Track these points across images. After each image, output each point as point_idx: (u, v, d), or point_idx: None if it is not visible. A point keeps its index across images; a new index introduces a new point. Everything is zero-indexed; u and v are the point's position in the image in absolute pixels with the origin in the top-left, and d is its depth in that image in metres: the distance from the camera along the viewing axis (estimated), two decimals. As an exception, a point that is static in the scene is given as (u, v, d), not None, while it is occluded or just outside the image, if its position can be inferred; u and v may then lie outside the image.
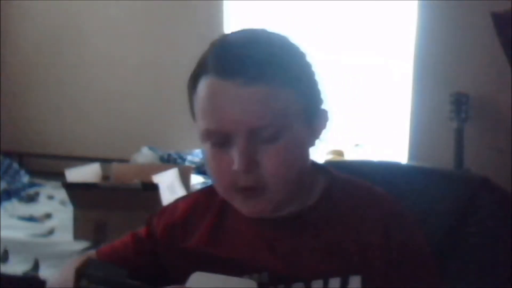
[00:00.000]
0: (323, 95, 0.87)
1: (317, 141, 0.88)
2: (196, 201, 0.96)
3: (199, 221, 0.93)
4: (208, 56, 0.82)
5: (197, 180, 2.68)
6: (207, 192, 0.97)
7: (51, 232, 2.43)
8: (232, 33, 0.86)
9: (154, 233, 0.95)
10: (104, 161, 2.81)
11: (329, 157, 2.77)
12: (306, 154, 0.86)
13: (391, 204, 0.89)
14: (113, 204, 2.21)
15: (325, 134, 0.88)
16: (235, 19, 3.06)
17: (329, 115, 0.88)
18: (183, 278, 0.88)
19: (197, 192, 1.01)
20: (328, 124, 0.88)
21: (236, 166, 0.79)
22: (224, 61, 0.79)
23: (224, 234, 0.90)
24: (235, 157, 0.79)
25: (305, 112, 0.83)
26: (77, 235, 2.27)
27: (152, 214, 0.98)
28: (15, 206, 2.84)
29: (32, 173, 3.29)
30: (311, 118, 0.84)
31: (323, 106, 0.87)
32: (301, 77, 0.82)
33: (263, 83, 0.78)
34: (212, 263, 0.88)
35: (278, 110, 0.79)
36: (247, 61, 0.78)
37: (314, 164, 0.93)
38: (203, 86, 0.81)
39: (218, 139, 0.81)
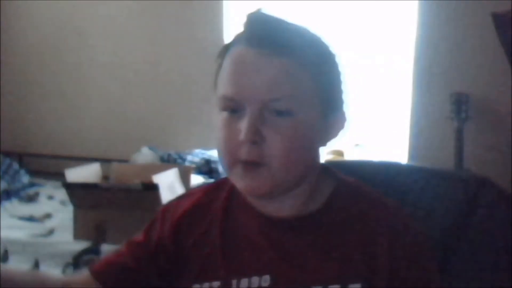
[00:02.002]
0: (344, 97, 0.88)
1: (330, 142, 0.88)
2: (199, 199, 0.95)
3: (203, 219, 0.92)
4: (243, 26, 0.84)
5: (197, 180, 2.68)
6: (210, 189, 0.96)
7: (51, 232, 2.43)
8: None
9: (156, 236, 0.94)
10: (104, 161, 2.81)
11: (329, 157, 2.77)
12: (315, 145, 0.86)
13: (397, 210, 0.89)
14: (113, 204, 2.21)
15: (340, 136, 0.88)
16: (235, 19, 3.06)
17: (346, 117, 0.88)
18: (186, 278, 0.88)
19: (200, 190, 0.99)
20: (346, 126, 0.88)
21: (242, 135, 0.79)
22: (255, 29, 0.81)
23: (228, 233, 0.90)
24: (243, 127, 0.79)
25: (322, 103, 0.83)
26: (77, 235, 2.27)
27: (154, 219, 0.97)
28: (15, 206, 2.84)
29: (32, 173, 3.29)
30: (327, 113, 0.85)
31: (341, 108, 0.88)
32: (325, 70, 0.84)
33: (286, 58, 0.79)
34: (215, 262, 0.87)
35: (295, 88, 0.80)
36: (277, 34, 0.80)
37: (323, 167, 0.92)
38: (231, 53, 0.83)
39: (232, 107, 0.81)
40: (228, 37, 3.21)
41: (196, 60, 2.93)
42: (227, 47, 0.84)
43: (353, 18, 2.94)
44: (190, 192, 1.02)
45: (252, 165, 0.81)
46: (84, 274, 0.95)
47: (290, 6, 2.97)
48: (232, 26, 3.06)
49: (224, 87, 0.82)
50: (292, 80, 0.80)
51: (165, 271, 0.92)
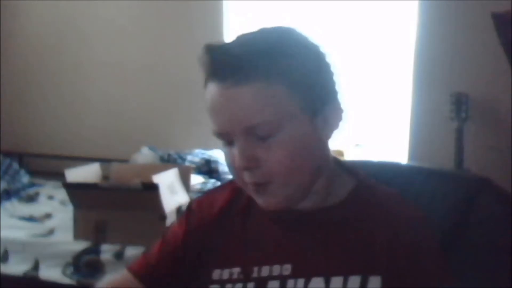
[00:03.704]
0: (332, 88, 0.87)
1: (334, 134, 0.88)
2: (233, 192, 0.98)
3: (236, 212, 0.95)
4: (203, 62, 0.84)
5: (197, 180, 2.68)
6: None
7: (51, 232, 2.43)
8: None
9: (194, 225, 0.97)
10: (104, 161, 2.81)
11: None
12: (313, 149, 0.85)
13: (414, 212, 0.90)
14: (113, 204, 2.21)
15: (341, 127, 0.88)
16: (235, 19, 3.06)
17: (342, 106, 0.88)
18: (206, 266, 0.92)
19: (230, 184, 1.00)
20: (343, 116, 0.88)
21: (236, 164, 0.82)
22: (213, 65, 0.82)
23: (250, 225, 0.93)
24: (236, 155, 0.82)
25: (305, 106, 0.82)
26: (77, 235, 2.27)
27: (189, 210, 1.00)
28: (15, 206, 2.84)
29: (32, 173, 3.29)
30: (315, 112, 0.84)
31: (334, 99, 0.87)
32: (297, 71, 0.82)
33: (251, 83, 0.79)
34: (236, 252, 0.91)
35: (270, 107, 0.80)
36: (234, 63, 0.80)
37: (343, 164, 0.94)
38: (207, 90, 0.84)
39: (225, 139, 0.85)
40: (228, 37, 3.21)
41: (196, 60, 2.92)
42: (205, 82, 0.85)
43: (353, 18, 2.94)
44: (222, 185, 1.04)
45: (258, 186, 0.84)
46: (122, 275, 0.99)
47: (289, 6, 2.97)
48: (232, 26, 3.07)
49: (212, 124, 0.84)
50: (265, 101, 0.80)
51: (192, 266, 0.95)
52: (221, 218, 0.95)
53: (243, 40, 0.84)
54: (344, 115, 0.88)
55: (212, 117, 0.83)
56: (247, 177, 0.84)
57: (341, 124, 0.88)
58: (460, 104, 2.57)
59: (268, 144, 0.81)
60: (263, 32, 0.85)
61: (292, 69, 0.81)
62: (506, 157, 2.54)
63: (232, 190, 0.98)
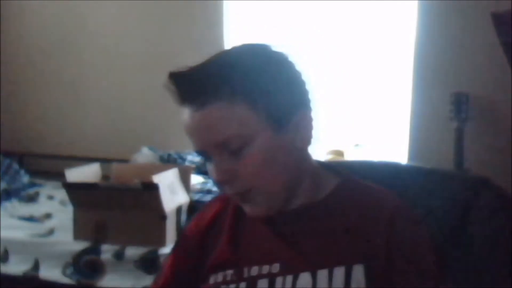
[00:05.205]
0: (300, 97, 0.89)
1: (312, 141, 0.90)
2: (221, 207, 1.01)
3: (223, 222, 0.98)
4: (170, 90, 0.90)
5: (197, 180, 2.68)
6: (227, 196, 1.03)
7: (51, 232, 2.43)
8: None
9: (181, 254, 1.02)
10: (104, 161, 2.81)
11: (329, 157, 2.77)
12: (285, 157, 0.88)
13: (398, 205, 0.91)
14: (113, 204, 2.20)
15: (315, 133, 0.90)
16: (235, 19, 3.06)
17: (312, 114, 0.90)
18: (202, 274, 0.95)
19: (220, 198, 1.05)
20: (315, 123, 0.90)
21: (215, 179, 0.89)
22: (179, 92, 0.88)
23: (241, 228, 0.96)
24: (213, 171, 0.88)
25: (270, 117, 0.85)
26: (77, 235, 2.27)
27: (179, 238, 1.07)
28: (15, 206, 2.84)
29: (32, 173, 3.29)
30: (283, 122, 0.86)
31: (304, 108, 0.89)
32: (256, 85, 0.85)
33: (214, 104, 0.84)
34: (228, 256, 0.94)
35: (234, 123, 0.84)
36: (196, 88, 0.86)
37: (327, 165, 0.98)
38: (182, 113, 0.89)
39: (204, 156, 0.91)
40: (228, 37, 3.19)
41: (196, 60, 2.91)
42: None
43: (353, 18, 2.94)
44: (210, 202, 1.08)
45: (242, 194, 0.88)
46: None
47: (289, 6, 2.97)
48: (232, 26, 3.06)
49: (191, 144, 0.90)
50: (228, 119, 0.84)
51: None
52: (209, 232, 0.99)
53: (205, 62, 0.89)
54: (315, 122, 0.90)
55: (189, 138, 0.89)
56: (228, 189, 0.89)
57: (314, 131, 0.90)
58: (460, 104, 2.56)
59: (240, 157, 0.86)
60: (225, 52, 0.91)
61: (250, 83, 0.85)
62: (506, 157, 2.54)
63: (220, 202, 1.02)
